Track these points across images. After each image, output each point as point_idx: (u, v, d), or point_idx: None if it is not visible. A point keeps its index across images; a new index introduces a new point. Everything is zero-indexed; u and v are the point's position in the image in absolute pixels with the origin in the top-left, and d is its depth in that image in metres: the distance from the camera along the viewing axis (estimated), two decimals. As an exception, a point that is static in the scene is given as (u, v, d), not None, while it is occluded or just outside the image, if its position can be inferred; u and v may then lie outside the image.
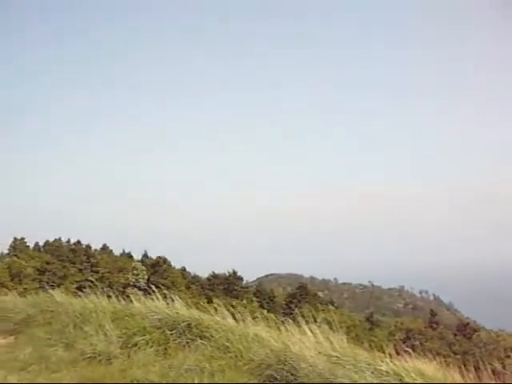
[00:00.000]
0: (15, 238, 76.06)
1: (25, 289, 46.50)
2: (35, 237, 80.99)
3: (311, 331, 9.17)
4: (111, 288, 16.12)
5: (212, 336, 10.15)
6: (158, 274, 71.31)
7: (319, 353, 8.20)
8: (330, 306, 78.26)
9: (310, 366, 7.82)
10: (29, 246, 77.41)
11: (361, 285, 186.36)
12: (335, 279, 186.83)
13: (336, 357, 8.02)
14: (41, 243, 78.74)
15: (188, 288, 69.50)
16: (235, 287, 76.78)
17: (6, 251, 74.53)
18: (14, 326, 16.21)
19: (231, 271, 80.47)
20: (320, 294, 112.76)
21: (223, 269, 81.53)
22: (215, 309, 11.23)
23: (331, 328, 9.13)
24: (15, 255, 70.27)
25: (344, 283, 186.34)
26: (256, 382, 8.18)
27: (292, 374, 7.87)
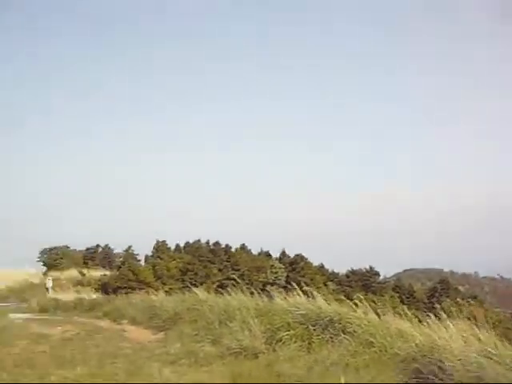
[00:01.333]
0: (157, 241, 79.18)
1: (170, 288, 48.15)
2: (175, 239, 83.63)
3: (455, 326, 8.95)
4: (252, 286, 16.46)
5: (355, 331, 10.18)
6: (296, 271, 71.85)
7: (467, 348, 8.00)
8: (473, 301, 75.60)
9: (459, 360, 7.63)
10: (170, 248, 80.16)
11: (503, 278, 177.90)
12: (475, 273, 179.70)
13: (487, 352, 7.75)
14: (181, 245, 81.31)
15: (326, 285, 69.47)
16: (373, 283, 75.98)
17: (150, 253, 77.79)
18: (163, 323, 17.03)
19: (368, 267, 79.76)
20: (461, 288, 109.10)
21: (360, 265, 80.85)
22: (356, 304, 11.21)
23: (476, 323, 8.88)
24: (158, 257, 73.07)
25: (485, 277, 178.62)
26: (401, 376, 8.12)
27: (440, 368, 7.72)
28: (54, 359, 12.18)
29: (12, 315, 25.95)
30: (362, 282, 75.72)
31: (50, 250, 76.82)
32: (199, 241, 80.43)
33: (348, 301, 11.66)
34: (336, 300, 12.11)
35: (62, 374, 10.09)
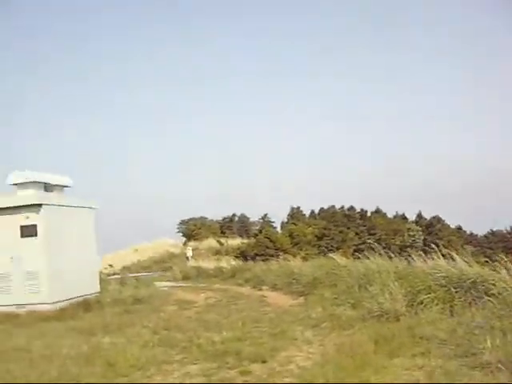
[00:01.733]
0: (292, 208, 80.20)
1: (306, 254, 48.69)
2: (309, 205, 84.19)
3: None
4: (389, 249, 16.36)
5: (499, 293, 9.88)
6: (434, 233, 70.51)
7: None
8: None
9: None
10: (305, 215, 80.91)
11: None
12: None
13: None
14: (316, 211, 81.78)
15: (463, 247, 67.64)
16: (515, 244, 73.26)
17: (285, 220, 78.98)
18: (303, 288, 17.31)
19: (509, 228, 76.85)
20: None
21: (501, 226, 77.86)
22: (498, 267, 10.87)
23: None
24: (293, 223, 73.94)
25: None
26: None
27: None
28: (201, 324, 12.76)
29: (157, 283, 27.24)
30: (503, 244, 72.91)
31: (188, 221, 79.75)
32: (333, 206, 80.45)
33: (489, 262, 11.36)
34: (476, 262, 11.80)
35: (209, 337, 10.55)
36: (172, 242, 71.85)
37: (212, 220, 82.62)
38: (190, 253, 52.38)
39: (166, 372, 8.34)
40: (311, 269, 19.44)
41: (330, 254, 20.61)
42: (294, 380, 7.17)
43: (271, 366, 8.11)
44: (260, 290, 20.41)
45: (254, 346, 9.41)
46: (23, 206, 17.75)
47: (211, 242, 68.19)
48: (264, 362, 8.40)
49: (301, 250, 60.01)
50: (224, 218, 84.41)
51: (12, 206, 17.91)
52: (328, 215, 77.93)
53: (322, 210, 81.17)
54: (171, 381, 7.84)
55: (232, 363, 8.41)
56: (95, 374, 8.32)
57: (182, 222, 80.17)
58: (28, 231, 17.71)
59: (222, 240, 68.75)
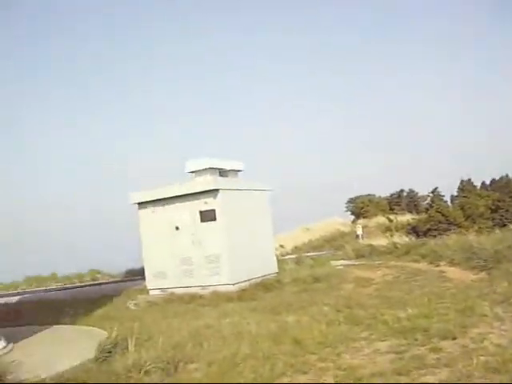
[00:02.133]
0: (462, 180, 77.33)
1: (480, 227, 46.89)
2: (480, 176, 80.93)
3: None
4: None
5: None
6: None
7: None
8: None
9: None
10: (476, 186, 77.75)
11: None
12: None
13: None
14: (487, 182, 78.34)
15: None
16: None
17: (455, 193, 76.48)
18: (484, 263, 16.65)
19: None
20: None
21: None
22: None
23: None
24: (464, 196, 71.35)
25: None
26: None
27: None
28: (382, 300, 12.73)
29: (332, 262, 27.41)
30: None
31: (356, 199, 79.62)
32: (507, 176, 76.64)
33: None
34: None
35: (393, 314, 10.49)
36: (341, 220, 72.16)
37: (380, 197, 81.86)
38: (359, 231, 52.38)
39: (355, 349, 8.41)
40: (490, 242, 18.72)
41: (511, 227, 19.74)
42: (489, 358, 6.94)
43: (463, 342, 7.93)
44: (437, 265, 19.91)
45: (441, 323, 9.24)
46: (201, 192, 18.57)
47: (380, 219, 67.59)
48: (454, 338, 8.22)
49: (474, 223, 57.87)
50: (392, 194, 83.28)
51: (191, 192, 18.80)
52: (501, 186, 74.32)
53: (493, 180, 77.64)
54: (361, 358, 7.89)
55: (421, 340, 8.31)
56: (284, 351, 8.56)
57: (350, 201, 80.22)
58: (207, 216, 18.51)
59: (391, 216, 67.82)
